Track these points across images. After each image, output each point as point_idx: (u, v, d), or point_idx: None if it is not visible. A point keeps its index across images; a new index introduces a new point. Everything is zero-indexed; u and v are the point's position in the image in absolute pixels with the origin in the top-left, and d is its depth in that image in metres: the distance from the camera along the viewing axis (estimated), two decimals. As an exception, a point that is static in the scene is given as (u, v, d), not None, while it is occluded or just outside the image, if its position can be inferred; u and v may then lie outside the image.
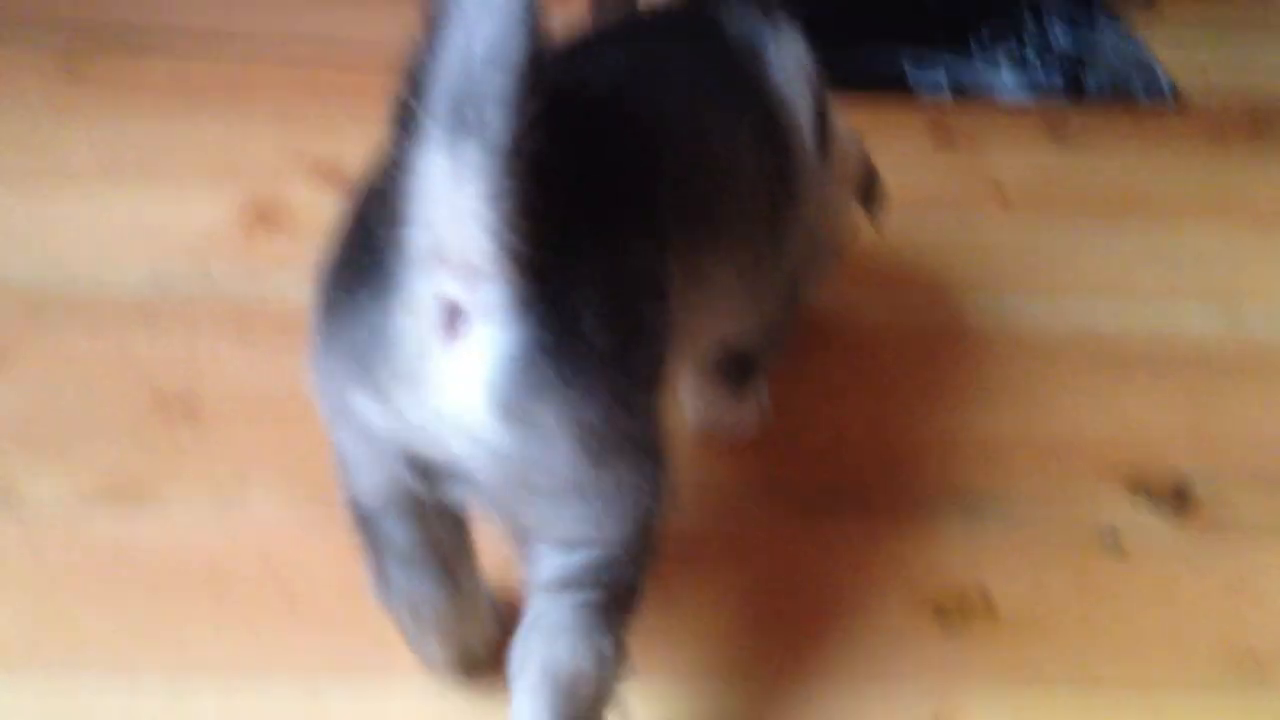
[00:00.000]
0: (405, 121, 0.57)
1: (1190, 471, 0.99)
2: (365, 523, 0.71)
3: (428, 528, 0.71)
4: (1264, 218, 1.30)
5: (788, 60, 0.87)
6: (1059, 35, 1.59)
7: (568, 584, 0.67)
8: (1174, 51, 1.60)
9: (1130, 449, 1.01)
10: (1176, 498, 0.97)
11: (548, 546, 0.66)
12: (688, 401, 0.97)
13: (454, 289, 0.59)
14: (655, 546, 0.69)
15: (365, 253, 0.61)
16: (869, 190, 1.06)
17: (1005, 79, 1.49)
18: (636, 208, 0.67)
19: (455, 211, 0.57)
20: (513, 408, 0.60)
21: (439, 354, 0.60)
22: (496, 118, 0.55)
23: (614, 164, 0.67)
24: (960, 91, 1.46)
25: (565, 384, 0.60)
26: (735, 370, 0.94)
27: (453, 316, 0.60)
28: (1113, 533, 0.94)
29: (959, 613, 0.87)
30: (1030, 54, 1.54)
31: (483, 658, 0.79)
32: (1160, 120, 1.46)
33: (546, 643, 0.67)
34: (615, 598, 0.68)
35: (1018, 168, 1.35)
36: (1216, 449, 1.01)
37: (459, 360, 0.60)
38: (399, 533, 0.71)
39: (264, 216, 1.18)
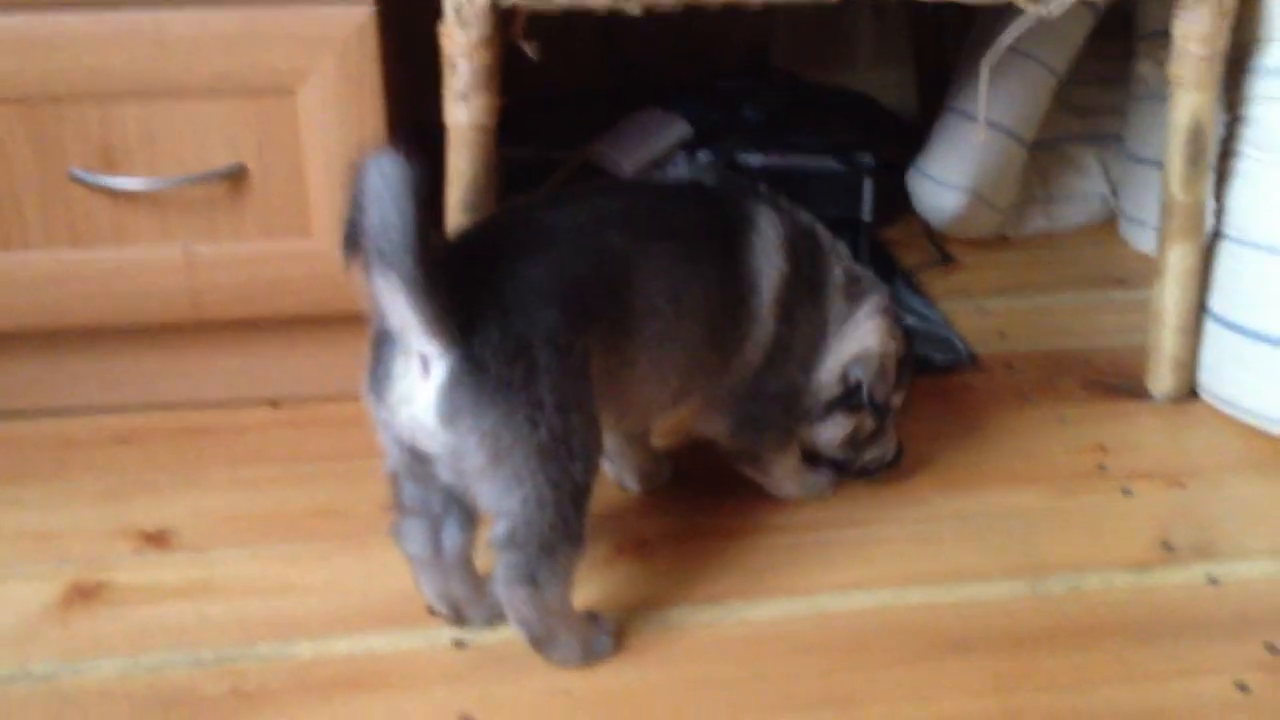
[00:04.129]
0: (363, 262, 0.94)
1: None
2: (392, 482, 1.08)
3: (422, 490, 1.07)
4: (1061, 481, 1.35)
5: (770, 236, 1.18)
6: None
7: (498, 545, 1.03)
8: (973, 314, 1.71)
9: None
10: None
11: (492, 517, 1.03)
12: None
13: (422, 348, 0.97)
14: (565, 521, 1.02)
15: (384, 327, 0.99)
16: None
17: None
18: (549, 302, 1.01)
19: (396, 308, 0.95)
20: (445, 418, 0.98)
21: (419, 386, 0.99)
22: (401, 257, 0.91)
23: (541, 275, 1.02)
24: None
25: (473, 403, 0.98)
26: (734, 455, 1.28)
27: (425, 364, 0.98)
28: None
29: None
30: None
31: (469, 614, 1.12)
32: (963, 385, 1.54)
33: (496, 586, 1.05)
34: (529, 557, 1.02)
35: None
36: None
37: (426, 390, 0.99)
38: (407, 490, 1.08)
39: (87, 596, 1.18)
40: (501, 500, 1.02)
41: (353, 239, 0.94)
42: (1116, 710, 1.05)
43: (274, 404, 1.48)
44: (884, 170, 1.86)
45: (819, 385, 1.25)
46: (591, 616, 1.12)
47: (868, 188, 1.83)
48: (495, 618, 1.11)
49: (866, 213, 1.83)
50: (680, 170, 1.80)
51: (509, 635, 1.10)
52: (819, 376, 1.24)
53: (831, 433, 1.27)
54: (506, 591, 1.04)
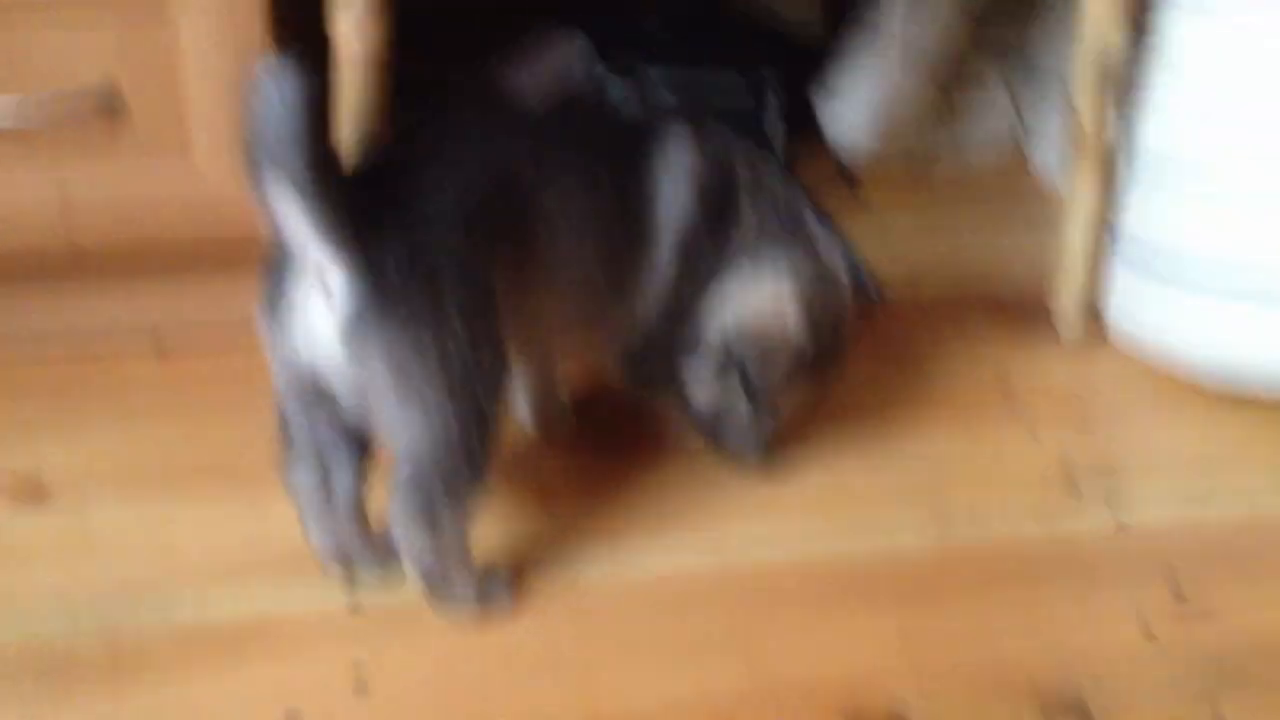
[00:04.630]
0: (252, 169, 0.89)
1: (907, 701, 0.99)
2: (280, 415, 1.02)
3: (315, 429, 1.01)
4: (970, 425, 1.33)
5: (679, 172, 1.11)
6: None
7: (400, 481, 0.98)
8: (884, 257, 1.67)
9: (844, 685, 1.00)
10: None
11: (396, 454, 0.98)
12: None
13: (323, 268, 0.92)
14: (471, 458, 0.98)
15: (283, 251, 0.94)
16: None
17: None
18: (455, 223, 0.97)
19: (291, 223, 0.91)
20: (351, 348, 0.93)
21: (321, 311, 0.94)
22: (294, 160, 0.87)
23: (446, 194, 0.98)
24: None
25: (380, 330, 0.92)
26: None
27: (328, 288, 0.93)
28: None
29: None
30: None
31: (361, 566, 1.07)
32: (875, 326, 1.50)
33: (392, 525, 1.00)
34: (432, 494, 0.97)
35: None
36: (932, 674, 1.02)
37: (329, 315, 0.93)
38: (295, 422, 1.01)
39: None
40: (407, 434, 0.97)
41: (250, 151, 0.89)
42: (1024, 662, 1.03)
43: (162, 353, 1.41)
44: (792, 96, 1.81)
45: (702, 340, 1.17)
46: (488, 568, 1.08)
47: (774, 112, 1.77)
48: (389, 571, 1.07)
49: (774, 141, 1.78)
50: (612, 93, 1.74)
51: (407, 596, 1.05)
52: (706, 332, 1.16)
53: (701, 395, 1.19)
54: (403, 530, 1.00)
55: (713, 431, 1.21)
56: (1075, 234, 1.45)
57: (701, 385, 1.18)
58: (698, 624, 1.07)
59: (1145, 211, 1.41)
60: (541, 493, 1.21)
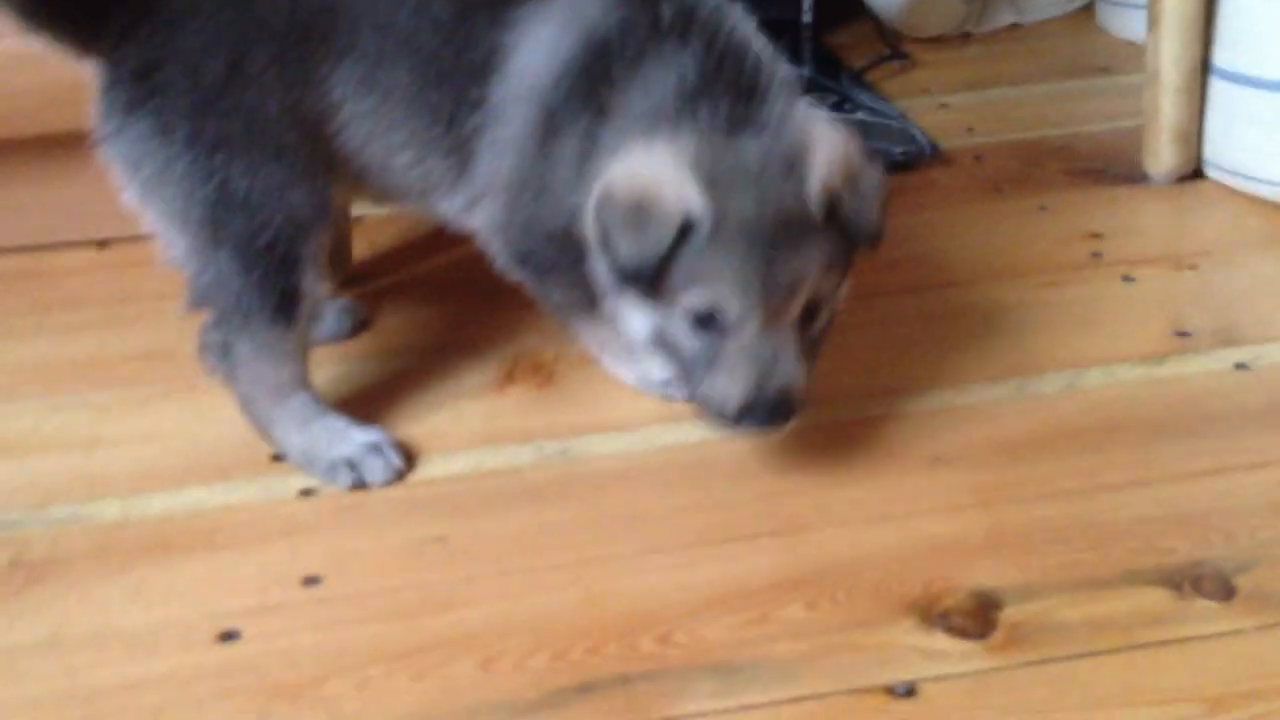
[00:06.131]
0: None
1: (993, 587, 0.78)
2: None
3: None
4: (1049, 273, 1.12)
5: (561, 15, 0.85)
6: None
7: (187, 304, 0.89)
8: (936, 110, 1.47)
9: (919, 570, 0.80)
10: (980, 622, 0.77)
11: None
12: None
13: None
14: (258, 287, 0.85)
15: None
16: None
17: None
18: (209, 12, 0.84)
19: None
20: (102, 136, 0.85)
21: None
22: None
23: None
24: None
25: (120, 128, 0.84)
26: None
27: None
28: (908, 687, 0.73)
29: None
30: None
31: None
32: (927, 181, 1.31)
33: None
34: (221, 322, 0.88)
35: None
36: (1019, 552, 0.81)
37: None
38: None
39: None
40: (171, 245, 0.87)
41: None
42: (1134, 517, 0.83)
43: (101, 245, 1.24)
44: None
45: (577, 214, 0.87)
46: (364, 430, 0.91)
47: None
48: None
49: (807, 10, 1.57)
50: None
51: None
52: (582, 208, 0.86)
53: (631, 323, 0.88)
54: (207, 360, 0.92)
55: (676, 374, 0.88)
56: (1163, 50, 1.22)
57: (621, 304, 0.87)
58: (728, 499, 0.87)
59: (1246, 14, 1.19)
60: (537, 367, 1.02)
